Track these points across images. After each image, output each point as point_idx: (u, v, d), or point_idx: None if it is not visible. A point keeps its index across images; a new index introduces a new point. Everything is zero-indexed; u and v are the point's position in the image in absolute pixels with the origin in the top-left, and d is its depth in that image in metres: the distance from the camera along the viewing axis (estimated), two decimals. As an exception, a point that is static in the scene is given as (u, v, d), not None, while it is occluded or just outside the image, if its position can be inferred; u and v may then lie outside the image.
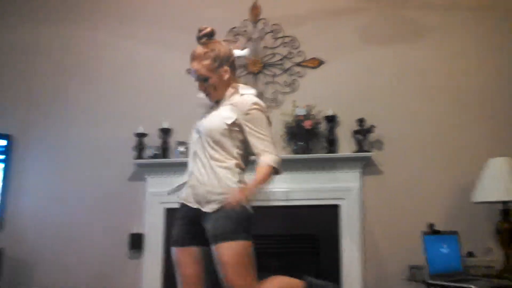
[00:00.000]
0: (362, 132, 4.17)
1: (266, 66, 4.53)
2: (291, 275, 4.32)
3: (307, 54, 4.48)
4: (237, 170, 2.59)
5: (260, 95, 4.41)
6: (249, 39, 4.58)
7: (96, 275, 4.34)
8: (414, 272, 3.78)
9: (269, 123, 2.64)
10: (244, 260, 2.45)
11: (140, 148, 4.39)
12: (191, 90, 4.53)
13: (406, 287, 3.88)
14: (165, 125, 4.43)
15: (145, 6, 4.77)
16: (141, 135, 4.40)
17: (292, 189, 4.17)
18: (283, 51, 4.53)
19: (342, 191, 4.14)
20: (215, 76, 2.65)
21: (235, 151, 2.61)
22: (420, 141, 4.25)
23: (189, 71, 2.68)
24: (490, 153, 3.89)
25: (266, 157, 2.56)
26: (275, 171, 2.56)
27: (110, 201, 4.46)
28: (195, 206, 2.56)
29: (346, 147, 4.27)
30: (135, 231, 4.35)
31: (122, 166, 4.48)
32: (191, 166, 2.64)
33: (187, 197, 2.62)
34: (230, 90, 2.70)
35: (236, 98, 2.65)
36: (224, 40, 2.70)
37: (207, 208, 2.51)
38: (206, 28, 2.66)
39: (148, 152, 4.37)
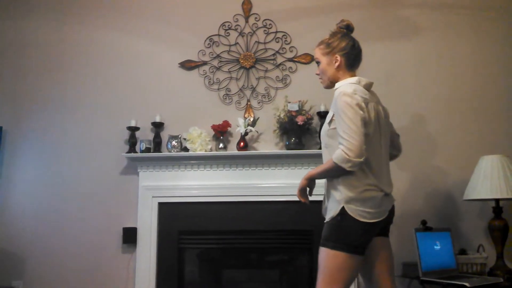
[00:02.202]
0: (355, 128, 4.00)
1: (258, 61, 4.32)
2: (285, 270, 4.27)
3: (299, 50, 4.28)
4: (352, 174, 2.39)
5: (252, 89, 4.32)
6: (241, 34, 4.37)
7: (89, 269, 4.14)
8: (407, 269, 3.64)
9: (356, 112, 2.35)
10: (328, 269, 2.40)
11: (132, 142, 4.18)
12: (184, 84, 4.44)
13: (400, 283, 3.72)
14: (158, 119, 4.22)
15: (138, 1, 4.51)
16: (133, 129, 4.19)
17: (285, 184, 4.00)
18: (276, 46, 4.31)
19: (335, 186, 3.99)
20: (325, 61, 2.64)
21: None
22: (413, 138, 4.04)
23: None
24: (482, 151, 3.73)
25: (335, 152, 2.35)
26: (337, 166, 2.33)
27: (102, 195, 4.24)
28: None
29: (338, 143, 4.10)
30: (128, 225, 4.15)
31: (115, 159, 4.25)
32: None
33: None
34: (336, 86, 2.60)
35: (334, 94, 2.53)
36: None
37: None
38: (344, 21, 2.69)
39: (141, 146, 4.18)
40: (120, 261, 4.14)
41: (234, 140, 4.19)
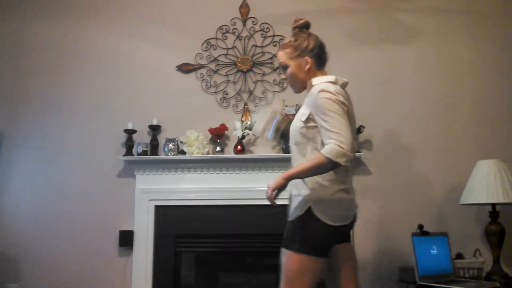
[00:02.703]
0: (352, 132, 4.00)
1: (255, 64, 4.32)
2: (278, 275, 4.25)
3: (297, 53, 4.29)
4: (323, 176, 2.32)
5: (249, 93, 4.32)
6: (239, 38, 4.37)
7: (85, 272, 4.11)
8: (403, 273, 3.63)
9: (341, 108, 2.27)
10: (292, 272, 2.34)
11: (129, 145, 4.17)
12: (181, 87, 4.43)
13: (396, 288, 3.75)
14: (155, 122, 4.21)
15: (136, 4, 4.51)
16: (130, 132, 4.18)
17: (282, 188, 4.00)
18: (273, 50, 4.31)
19: (331, 190, 3.98)
20: (294, 65, 2.51)
21: (315, 153, 2.32)
22: (410, 143, 4.07)
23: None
24: (479, 155, 3.74)
25: (325, 147, 2.20)
26: (330, 162, 2.17)
27: (99, 198, 4.22)
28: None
29: (335, 147, 4.09)
30: (124, 228, 4.13)
31: (111, 162, 4.23)
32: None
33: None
34: (309, 84, 2.46)
35: (310, 92, 2.40)
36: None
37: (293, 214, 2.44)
38: (300, 20, 2.59)
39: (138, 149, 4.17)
40: (117, 264, 4.11)
41: (231, 144, 4.18)
